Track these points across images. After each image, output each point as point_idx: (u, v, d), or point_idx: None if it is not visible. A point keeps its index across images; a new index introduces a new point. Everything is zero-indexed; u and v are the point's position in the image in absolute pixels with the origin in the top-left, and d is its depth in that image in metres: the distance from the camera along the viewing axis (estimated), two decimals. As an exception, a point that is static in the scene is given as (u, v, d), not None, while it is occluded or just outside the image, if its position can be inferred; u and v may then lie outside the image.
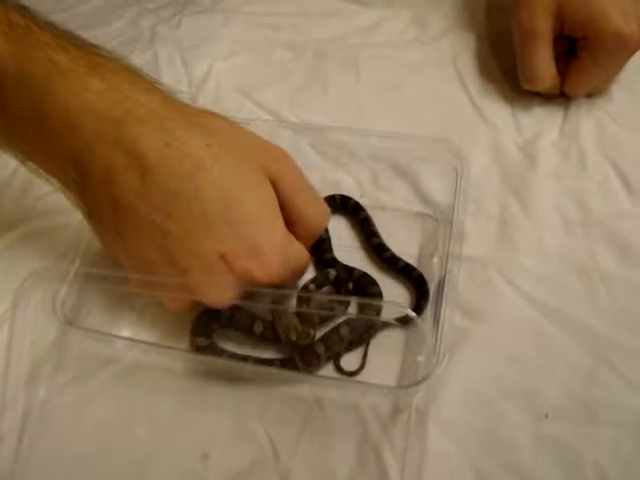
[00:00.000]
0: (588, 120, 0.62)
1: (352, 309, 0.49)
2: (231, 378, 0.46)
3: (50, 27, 0.43)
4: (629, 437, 0.43)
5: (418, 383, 0.41)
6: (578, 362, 0.46)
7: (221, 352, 0.46)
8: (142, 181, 0.40)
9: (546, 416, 0.44)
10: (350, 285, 0.50)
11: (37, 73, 0.40)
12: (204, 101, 0.65)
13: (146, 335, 0.48)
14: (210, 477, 0.42)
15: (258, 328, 0.47)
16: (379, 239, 0.53)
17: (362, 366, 0.46)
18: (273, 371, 0.45)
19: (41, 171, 0.45)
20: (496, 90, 0.65)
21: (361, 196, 0.57)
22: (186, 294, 0.43)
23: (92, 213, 0.44)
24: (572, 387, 0.45)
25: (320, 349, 0.46)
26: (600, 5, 0.57)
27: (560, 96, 0.64)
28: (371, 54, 0.70)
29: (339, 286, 0.51)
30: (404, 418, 0.43)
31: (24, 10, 0.43)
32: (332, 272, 0.50)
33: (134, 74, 0.44)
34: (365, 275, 0.50)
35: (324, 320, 0.48)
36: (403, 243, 0.53)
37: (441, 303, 0.46)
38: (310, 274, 0.51)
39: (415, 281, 0.50)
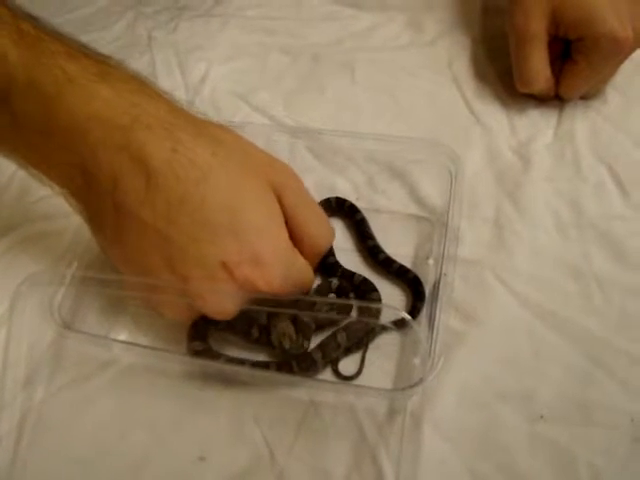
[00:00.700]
0: (583, 122, 0.63)
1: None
2: (227, 380, 0.46)
3: (59, 37, 0.43)
4: (623, 439, 0.43)
5: (414, 386, 0.41)
6: (572, 364, 0.46)
7: (218, 356, 0.46)
8: (147, 187, 0.40)
9: (541, 418, 0.44)
10: (352, 295, 0.50)
11: (46, 81, 0.40)
12: (201, 105, 0.65)
13: (143, 338, 0.48)
14: (207, 479, 0.42)
15: (255, 333, 0.47)
16: (374, 241, 0.53)
17: (360, 371, 0.47)
18: (270, 374, 0.45)
19: (44, 178, 0.44)
20: (491, 93, 0.66)
21: (357, 199, 0.57)
22: (186, 302, 0.43)
23: (94, 219, 0.44)
24: (567, 389, 0.45)
25: (317, 356, 0.46)
26: (595, 7, 0.58)
27: (555, 98, 0.64)
28: (367, 58, 0.70)
29: (341, 294, 0.50)
30: (399, 420, 0.44)
31: (34, 20, 0.43)
32: (334, 281, 0.50)
33: (142, 83, 0.44)
34: (365, 280, 0.50)
35: (321, 326, 0.48)
36: (398, 245, 0.53)
37: (436, 305, 0.46)
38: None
39: (410, 282, 0.51)
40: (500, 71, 0.67)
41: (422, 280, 0.50)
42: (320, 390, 0.46)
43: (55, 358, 0.47)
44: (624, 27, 0.57)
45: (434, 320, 0.45)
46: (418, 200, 0.57)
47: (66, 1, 0.76)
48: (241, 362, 0.46)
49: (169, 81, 0.67)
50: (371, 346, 0.48)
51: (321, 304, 0.47)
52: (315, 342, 0.47)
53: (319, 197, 0.56)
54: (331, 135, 0.59)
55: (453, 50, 0.71)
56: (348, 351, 0.47)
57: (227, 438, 0.44)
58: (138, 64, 0.69)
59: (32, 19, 0.43)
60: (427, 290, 0.50)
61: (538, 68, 0.61)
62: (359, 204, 0.56)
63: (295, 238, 0.44)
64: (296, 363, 0.45)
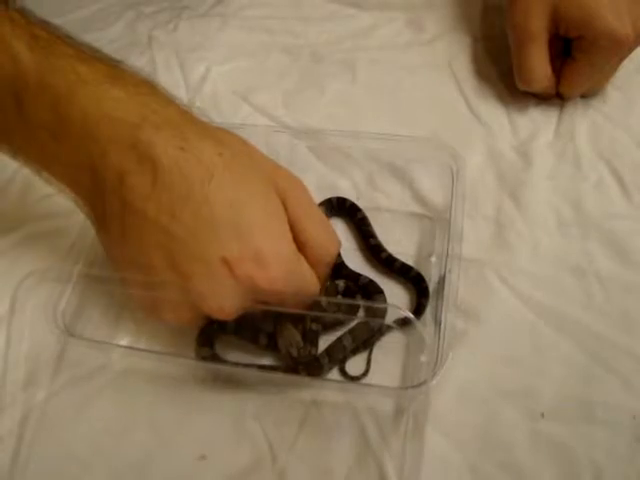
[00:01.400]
0: (583, 120, 0.62)
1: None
2: (229, 380, 0.46)
3: (72, 41, 0.44)
4: (625, 436, 0.43)
5: (423, 383, 0.41)
6: (574, 362, 0.46)
7: (226, 363, 0.46)
8: (153, 184, 0.41)
9: (542, 416, 0.44)
10: (358, 297, 0.50)
11: (58, 83, 0.41)
12: (201, 104, 0.65)
13: (145, 340, 0.48)
14: (208, 478, 0.42)
15: (263, 340, 0.47)
16: (375, 240, 0.53)
17: (367, 371, 0.47)
18: (276, 375, 0.46)
19: (51, 179, 0.45)
20: (491, 91, 0.66)
21: (358, 198, 0.57)
22: (187, 304, 0.43)
23: (100, 220, 0.44)
24: (568, 387, 0.45)
25: (324, 361, 0.46)
26: (595, 6, 0.58)
27: (555, 97, 0.64)
28: (367, 57, 0.70)
29: (347, 297, 0.50)
30: (401, 419, 0.44)
31: (47, 24, 0.43)
32: (341, 284, 0.50)
33: (153, 87, 0.45)
34: (372, 282, 0.50)
35: (327, 327, 0.48)
36: (400, 244, 0.53)
37: (441, 303, 0.46)
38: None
39: (413, 280, 0.51)
40: (501, 70, 0.67)
41: (425, 277, 0.50)
42: (322, 389, 0.46)
43: (57, 357, 0.47)
44: (624, 25, 0.57)
45: (440, 317, 0.45)
46: (419, 198, 0.57)
47: (66, 1, 0.76)
48: (248, 366, 0.46)
49: (169, 81, 0.67)
50: (377, 345, 0.48)
51: (327, 305, 0.47)
52: (321, 343, 0.47)
53: (320, 197, 0.56)
54: (332, 135, 0.59)
55: (453, 49, 0.71)
56: (355, 351, 0.47)
57: (228, 437, 0.44)
58: (138, 64, 0.69)
59: (45, 24, 0.43)
60: (431, 287, 0.50)
61: (538, 66, 0.61)
62: (360, 203, 0.56)
63: (299, 244, 0.44)
64: (303, 367, 0.45)
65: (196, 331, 0.47)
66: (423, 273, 0.51)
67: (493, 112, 0.64)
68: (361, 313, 0.48)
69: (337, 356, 0.46)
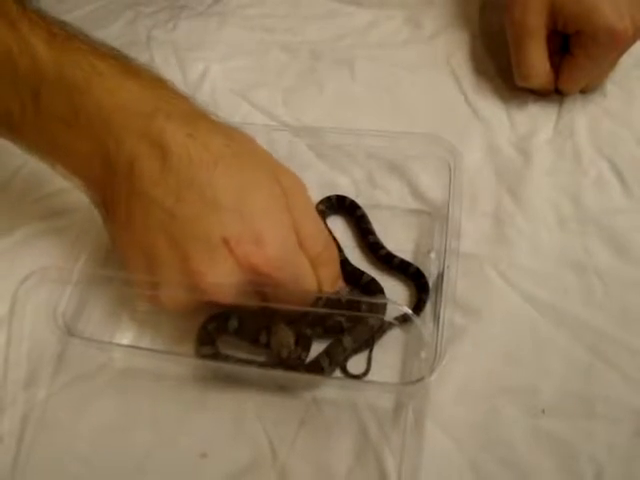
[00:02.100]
0: (582, 116, 0.62)
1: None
2: (230, 378, 0.46)
3: (88, 39, 0.45)
4: (626, 432, 0.43)
5: (422, 379, 0.41)
6: (574, 358, 0.46)
7: (227, 360, 0.46)
8: (161, 169, 0.42)
9: (543, 412, 0.44)
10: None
11: (75, 75, 0.42)
12: (201, 103, 0.65)
13: (146, 339, 0.48)
14: (208, 476, 0.42)
15: (264, 338, 0.46)
16: (374, 237, 0.53)
17: (368, 369, 0.46)
18: (278, 372, 0.46)
19: (60, 168, 0.46)
20: (490, 87, 0.66)
21: (357, 196, 0.57)
22: (185, 286, 0.43)
23: (108, 206, 0.44)
24: (568, 383, 0.45)
25: (325, 363, 0.45)
26: (593, 1, 0.58)
27: (554, 93, 0.64)
28: (366, 54, 0.70)
29: (351, 303, 0.50)
30: (401, 415, 0.44)
31: (63, 24, 0.45)
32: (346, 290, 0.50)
33: (165, 82, 0.47)
34: (373, 281, 0.50)
35: (328, 330, 0.48)
36: (399, 240, 0.53)
37: (440, 299, 0.46)
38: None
39: (413, 276, 0.51)
40: (499, 66, 0.67)
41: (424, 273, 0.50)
42: (321, 387, 0.46)
43: (58, 356, 0.47)
44: (622, 20, 0.57)
45: (439, 313, 0.45)
46: (418, 195, 0.57)
47: (65, 0, 0.76)
48: (248, 363, 0.46)
49: (169, 79, 0.67)
50: (377, 342, 0.48)
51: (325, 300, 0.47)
52: (321, 344, 0.47)
53: (320, 194, 0.56)
54: (331, 132, 0.59)
55: (452, 46, 0.70)
56: (356, 351, 0.47)
57: (229, 435, 0.44)
58: (137, 63, 0.69)
59: (62, 23, 0.45)
60: (430, 283, 0.50)
61: (537, 62, 0.61)
62: (359, 201, 0.56)
63: (298, 240, 0.44)
64: (304, 370, 0.45)
65: (196, 329, 0.47)
66: (422, 269, 0.51)
67: (492, 108, 0.64)
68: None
69: (337, 357, 0.46)
